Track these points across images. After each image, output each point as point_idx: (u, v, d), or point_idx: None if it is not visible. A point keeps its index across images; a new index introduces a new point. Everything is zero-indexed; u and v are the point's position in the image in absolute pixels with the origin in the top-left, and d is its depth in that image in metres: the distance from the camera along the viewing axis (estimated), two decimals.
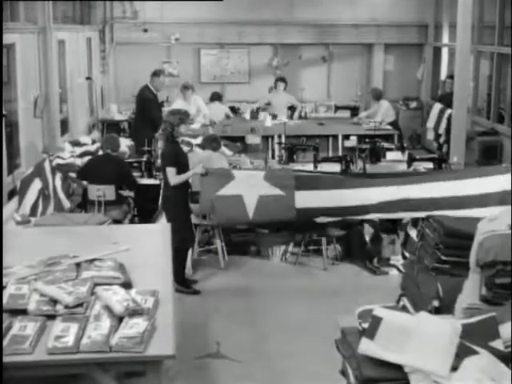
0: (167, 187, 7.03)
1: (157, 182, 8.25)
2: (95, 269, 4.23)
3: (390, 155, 9.53)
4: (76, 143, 9.28)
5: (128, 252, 4.69)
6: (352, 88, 14.75)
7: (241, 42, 14.72)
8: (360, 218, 7.40)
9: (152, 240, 5.32)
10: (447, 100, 11.88)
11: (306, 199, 7.18)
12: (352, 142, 10.83)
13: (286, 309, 6.64)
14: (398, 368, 3.26)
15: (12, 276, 4.09)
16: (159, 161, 8.56)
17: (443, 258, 4.33)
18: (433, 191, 7.08)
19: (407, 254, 7.25)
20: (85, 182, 7.94)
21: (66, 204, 8.07)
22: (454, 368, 3.21)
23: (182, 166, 6.99)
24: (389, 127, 11.67)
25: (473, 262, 3.89)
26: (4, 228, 6.24)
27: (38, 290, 3.88)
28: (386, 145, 9.92)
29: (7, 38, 7.87)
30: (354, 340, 3.61)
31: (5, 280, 4.00)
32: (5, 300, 3.77)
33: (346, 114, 13.99)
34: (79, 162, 8.44)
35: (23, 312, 3.72)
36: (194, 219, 7.43)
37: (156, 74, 10.49)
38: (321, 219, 7.38)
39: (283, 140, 10.78)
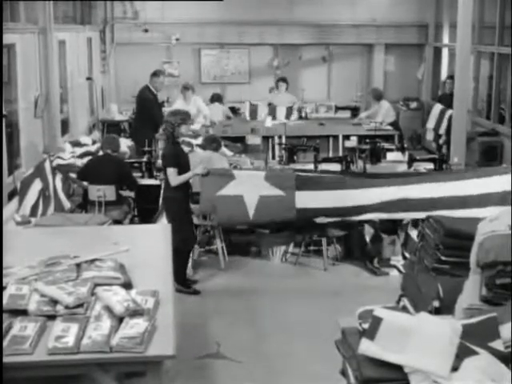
0: (168, 188, 7.02)
1: (157, 182, 8.26)
2: (95, 269, 4.23)
3: (390, 156, 9.53)
4: (76, 143, 9.28)
5: (128, 252, 4.68)
6: (352, 88, 14.75)
7: (241, 42, 14.74)
8: (360, 218, 7.40)
9: (152, 240, 5.33)
10: (447, 100, 11.89)
11: (306, 199, 7.20)
12: (352, 142, 10.83)
13: (286, 309, 6.64)
14: (398, 368, 3.26)
15: (12, 276, 4.09)
16: (159, 161, 8.57)
17: (443, 258, 4.32)
18: (433, 191, 7.10)
19: (407, 255, 7.25)
20: (85, 183, 7.94)
21: (67, 204, 8.07)
22: (455, 368, 3.21)
23: (183, 166, 6.99)
24: (389, 128, 11.67)
25: (473, 262, 3.89)
26: (4, 228, 6.24)
27: (38, 291, 3.88)
28: (386, 145, 9.93)
29: (7, 38, 7.88)
30: (354, 340, 3.61)
31: (5, 280, 4.00)
32: (5, 300, 3.77)
33: (347, 114, 13.97)
34: (79, 162, 8.44)
35: (23, 312, 3.72)
36: (194, 220, 7.43)
37: (156, 74, 10.51)
38: (321, 219, 7.40)
39: (283, 140, 10.79)
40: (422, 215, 5.81)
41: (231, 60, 15.03)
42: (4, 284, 3.96)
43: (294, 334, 6.09)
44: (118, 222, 7.49)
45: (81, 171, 8.07)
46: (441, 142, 12.04)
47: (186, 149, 8.09)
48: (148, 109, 10.30)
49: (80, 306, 3.73)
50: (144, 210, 8.31)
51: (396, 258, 7.73)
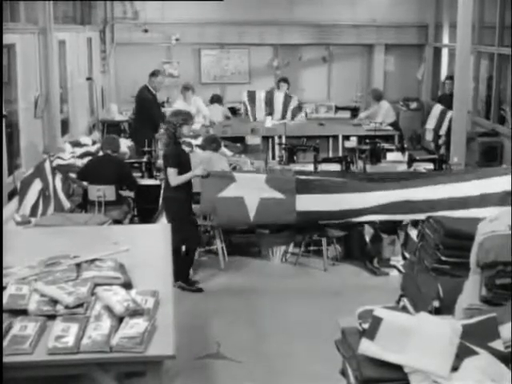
0: (168, 188, 7.03)
1: (157, 182, 8.27)
2: (95, 269, 4.23)
3: (390, 156, 9.53)
4: (76, 144, 9.28)
5: (128, 252, 4.68)
6: (352, 89, 14.74)
7: (241, 42, 14.73)
8: (361, 220, 7.43)
9: (152, 240, 5.33)
10: (447, 101, 11.88)
11: (306, 202, 7.24)
12: (352, 142, 10.84)
13: (286, 309, 6.64)
14: (398, 368, 3.26)
15: (12, 276, 4.09)
16: (159, 161, 8.58)
17: (443, 258, 4.33)
18: (433, 193, 7.11)
19: (407, 255, 7.25)
20: (85, 183, 7.94)
21: (67, 204, 8.08)
22: (455, 368, 3.21)
23: (184, 166, 7.00)
24: (389, 128, 11.69)
25: (473, 262, 3.89)
26: (4, 228, 6.23)
27: (38, 291, 3.88)
28: (386, 145, 9.93)
29: (7, 39, 7.88)
30: (354, 340, 3.61)
31: (5, 280, 4.00)
32: (5, 300, 3.77)
33: (347, 114, 14.00)
34: (79, 162, 8.45)
35: (23, 312, 3.72)
36: None
37: (154, 74, 10.52)
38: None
39: (283, 140, 10.79)
40: (422, 217, 5.82)
41: (231, 60, 15.03)
42: (4, 284, 3.95)
43: (294, 334, 6.09)
44: (117, 221, 7.50)
45: (81, 171, 8.08)
46: (440, 142, 12.03)
47: (185, 149, 8.10)
48: (147, 109, 10.30)
49: (80, 305, 3.74)
50: (144, 210, 8.31)
51: (396, 258, 7.73)
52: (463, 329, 3.38)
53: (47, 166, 8.07)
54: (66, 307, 3.71)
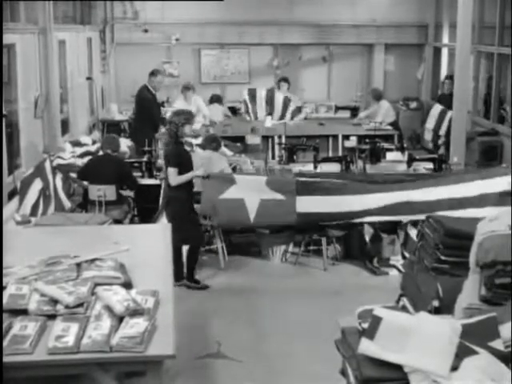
0: (170, 187, 7.03)
1: (157, 182, 8.27)
2: (96, 269, 4.23)
3: (390, 155, 9.53)
4: (76, 143, 9.29)
5: (128, 252, 4.69)
6: (352, 88, 14.74)
7: (241, 42, 14.72)
8: (361, 221, 7.46)
9: (152, 240, 5.33)
10: (446, 101, 11.88)
11: (307, 204, 7.27)
12: (352, 142, 10.84)
13: (286, 309, 6.64)
14: (398, 368, 3.26)
15: (12, 276, 4.09)
16: (159, 161, 8.59)
17: (443, 258, 4.33)
18: (434, 194, 7.14)
19: (407, 254, 7.26)
20: (85, 182, 7.95)
21: (67, 204, 8.08)
22: (454, 368, 3.21)
23: (186, 166, 7.00)
24: (389, 127, 11.69)
25: (472, 262, 3.89)
26: (4, 228, 6.23)
27: (38, 290, 3.88)
28: (385, 145, 9.93)
29: (7, 39, 7.88)
30: (353, 340, 3.61)
31: (5, 280, 4.00)
32: (5, 300, 3.78)
33: (346, 114, 14.00)
34: (80, 162, 8.45)
35: (23, 312, 3.72)
36: None
37: (153, 73, 10.52)
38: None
39: (283, 140, 10.79)
40: (422, 217, 5.84)
41: (231, 60, 15.02)
42: (4, 284, 3.96)
43: (294, 333, 6.09)
44: (118, 221, 7.50)
45: (81, 171, 8.08)
46: (440, 142, 12.03)
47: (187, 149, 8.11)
48: (147, 108, 10.31)
49: (80, 305, 3.74)
50: (144, 210, 8.32)
51: (395, 257, 7.73)
52: (463, 328, 3.38)
53: (47, 165, 8.08)
54: (66, 307, 3.72)
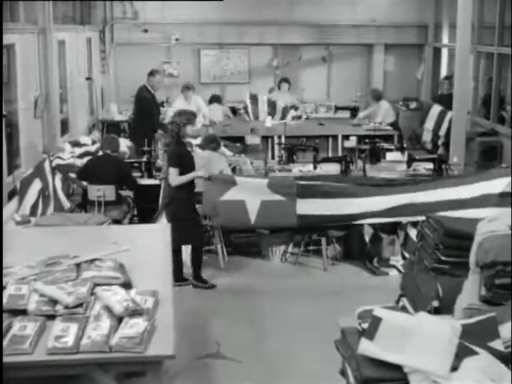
0: (171, 187, 7.03)
1: (156, 182, 8.26)
2: (95, 269, 4.23)
3: (389, 156, 9.52)
4: (76, 143, 9.29)
5: (128, 252, 4.68)
6: (352, 88, 14.74)
7: (241, 42, 14.72)
8: (361, 222, 7.49)
9: (152, 240, 5.33)
10: (445, 101, 11.88)
11: (307, 206, 7.32)
12: (352, 142, 10.84)
13: (286, 309, 6.64)
14: (398, 368, 3.26)
15: (12, 276, 4.09)
16: (159, 161, 8.59)
17: (443, 258, 4.33)
18: (435, 196, 7.18)
19: (407, 255, 7.26)
20: (85, 183, 7.94)
21: (66, 204, 8.08)
22: (454, 368, 3.21)
23: (187, 166, 7.01)
24: (389, 128, 11.68)
25: (472, 262, 3.89)
26: (4, 228, 6.23)
27: (37, 290, 3.88)
28: (385, 145, 9.92)
29: (7, 39, 7.87)
30: (353, 340, 3.61)
31: (5, 280, 4.00)
32: (5, 300, 3.77)
33: (346, 114, 13.98)
34: (79, 162, 8.45)
35: (23, 312, 3.72)
36: None
37: (152, 73, 10.54)
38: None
39: (283, 140, 10.79)
40: (421, 218, 5.85)
41: (231, 60, 15.02)
42: (4, 284, 3.96)
43: (294, 333, 6.09)
44: (117, 221, 7.50)
45: (80, 171, 8.08)
46: (439, 143, 12.03)
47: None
48: (146, 108, 10.31)
49: (79, 305, 3.74)
50: (143, 210, 8.32)
51: (395, 257, 7.73)
52: (463, 328, 3.38)
53: (47, 165, 8.08)
54: (66, 307, 3.71)
